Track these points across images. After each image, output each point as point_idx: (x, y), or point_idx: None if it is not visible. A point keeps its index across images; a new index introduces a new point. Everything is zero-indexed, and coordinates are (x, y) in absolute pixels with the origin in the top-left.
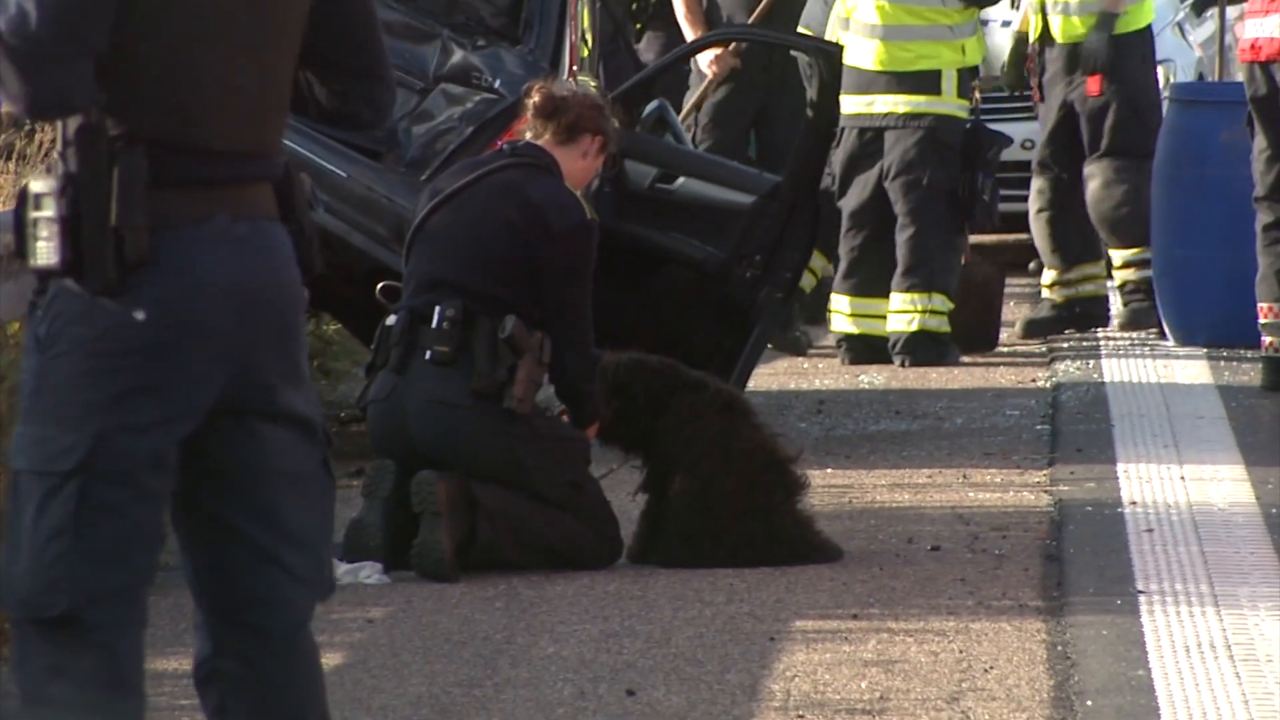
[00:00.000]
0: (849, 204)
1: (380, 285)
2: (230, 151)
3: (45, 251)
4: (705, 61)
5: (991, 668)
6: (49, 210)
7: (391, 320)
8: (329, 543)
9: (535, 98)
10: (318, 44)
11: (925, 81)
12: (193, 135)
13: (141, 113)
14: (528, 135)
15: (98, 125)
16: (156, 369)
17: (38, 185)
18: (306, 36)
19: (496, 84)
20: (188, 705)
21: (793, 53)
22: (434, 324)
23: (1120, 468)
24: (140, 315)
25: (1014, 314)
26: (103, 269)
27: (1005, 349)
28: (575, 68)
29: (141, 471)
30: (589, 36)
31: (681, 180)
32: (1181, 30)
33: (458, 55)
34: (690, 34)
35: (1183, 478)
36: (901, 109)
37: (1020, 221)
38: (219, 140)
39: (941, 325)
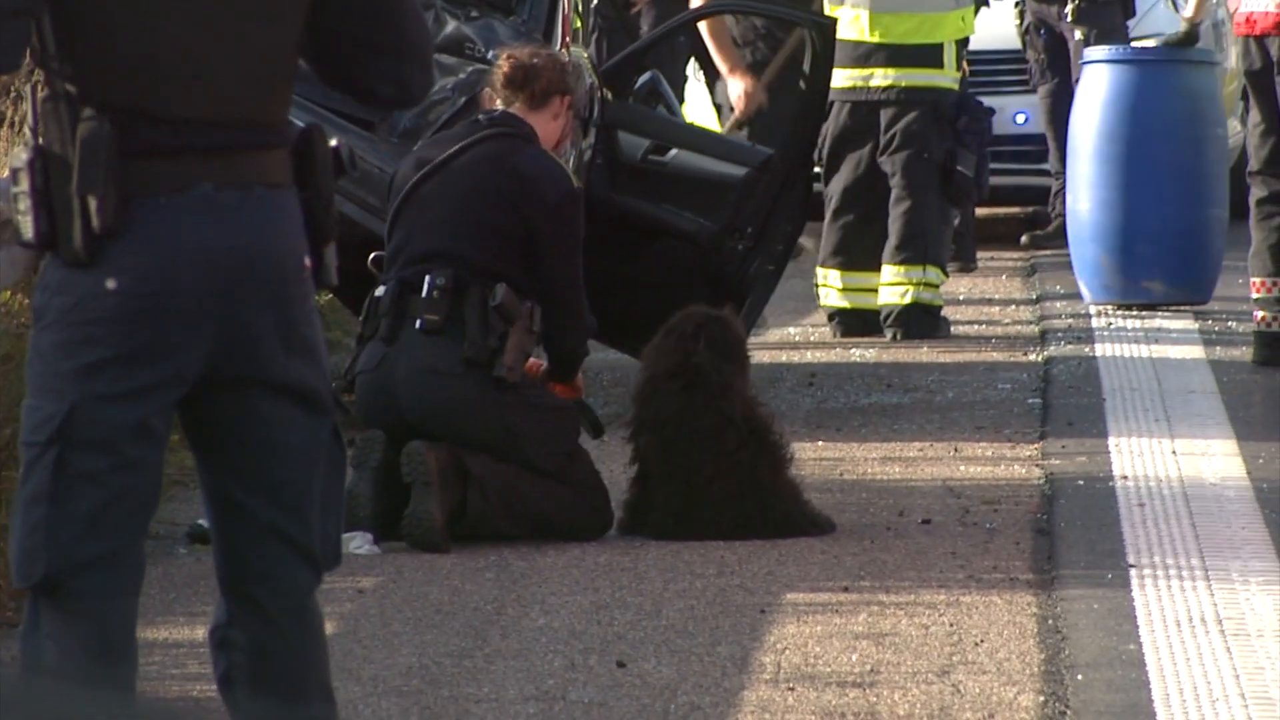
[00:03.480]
0: (840, 180)
1: (372, 256)
2: (204, 120)
3: (25, 225)
4: (735, 96)
5: (982, 641)
6: (24, 184)
7: (380, 291)
8: (337, 515)
9: (504, 68)
10: (324, 15)
11: (926, 55)
12: (156, 104)
13: (105, 82)
14: (498, 104)
15: (62, 95)
16: (131, 337)
17: (16, 160)
18: (316, 7)
19: (489, 55)
20: (179, 675)
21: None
22: (424, 293)
23: (1112, 442)
24: (111, 284)
25: (1006, 288)
26: (70, 239)
27: (997, 323)
28: (568, 39)
29: (121, 440)
30: (582, 8)
31: (674, 152)
32: (1175, 5)
33: (451, 26)
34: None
35: (1174, 452)
36: (902, 83)
37: (1011, 195)
38: (183, 108)
39: (934, 298)
